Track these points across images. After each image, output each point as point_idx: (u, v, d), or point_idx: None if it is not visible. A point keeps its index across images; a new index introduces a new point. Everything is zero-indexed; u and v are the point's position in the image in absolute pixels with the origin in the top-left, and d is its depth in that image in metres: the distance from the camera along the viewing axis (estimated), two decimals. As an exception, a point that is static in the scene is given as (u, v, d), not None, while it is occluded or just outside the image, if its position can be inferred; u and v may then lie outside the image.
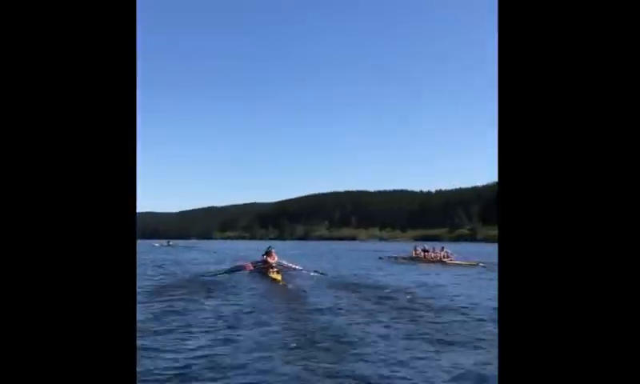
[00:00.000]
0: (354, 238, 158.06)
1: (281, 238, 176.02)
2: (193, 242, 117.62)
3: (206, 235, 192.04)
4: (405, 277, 16.15)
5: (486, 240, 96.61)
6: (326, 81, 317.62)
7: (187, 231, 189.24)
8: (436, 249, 27.71)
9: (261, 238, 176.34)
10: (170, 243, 75.37)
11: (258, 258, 17.44)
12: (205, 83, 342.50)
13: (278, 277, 14.30)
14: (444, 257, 26.17)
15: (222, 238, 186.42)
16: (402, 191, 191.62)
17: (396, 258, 28.33)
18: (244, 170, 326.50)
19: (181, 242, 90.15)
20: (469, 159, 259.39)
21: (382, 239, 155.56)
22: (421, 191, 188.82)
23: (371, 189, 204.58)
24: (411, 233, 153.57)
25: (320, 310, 8.39)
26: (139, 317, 6.96)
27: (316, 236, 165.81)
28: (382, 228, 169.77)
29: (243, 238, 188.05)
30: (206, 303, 9.27)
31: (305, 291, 11.26)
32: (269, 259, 16.94)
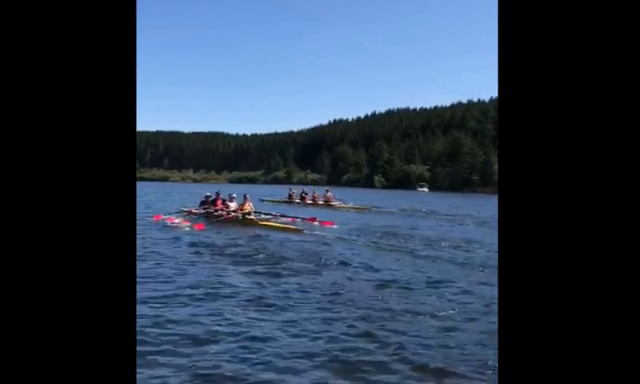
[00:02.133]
0: (165, 179, 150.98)
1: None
2: None
3: None
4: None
5: (301, 183, 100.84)
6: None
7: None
8: (317, 192, 28.21)
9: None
10: None
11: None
12: None
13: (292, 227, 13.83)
14: (329, 200, 26.53)
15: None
16: (217, 133, 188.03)
17: (278, 201, 28.14)
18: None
19: None
20: (285, 104, 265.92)
21: (195, 181, 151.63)
22: (237, 134, 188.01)
23: (185, 130, 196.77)
24: (226, 175, 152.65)
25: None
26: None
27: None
28: (196, 170, 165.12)
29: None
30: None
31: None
32: (237, 206, 15.43)
